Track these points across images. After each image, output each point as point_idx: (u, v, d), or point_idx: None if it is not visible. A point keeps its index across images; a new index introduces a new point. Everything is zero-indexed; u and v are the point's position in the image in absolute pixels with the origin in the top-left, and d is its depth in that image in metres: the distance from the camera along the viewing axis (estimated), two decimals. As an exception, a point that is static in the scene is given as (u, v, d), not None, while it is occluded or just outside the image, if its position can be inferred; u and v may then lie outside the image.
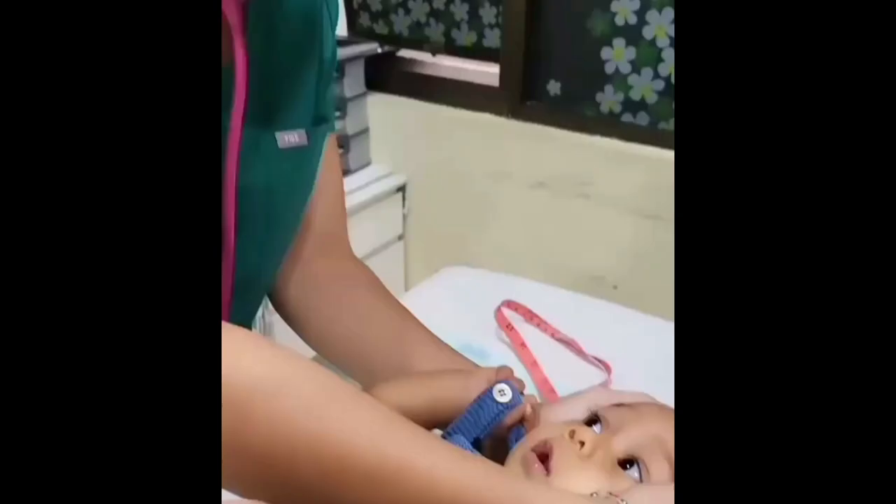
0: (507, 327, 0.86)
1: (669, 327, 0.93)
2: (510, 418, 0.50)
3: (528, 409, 0.51)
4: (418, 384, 0.54)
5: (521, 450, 0.48)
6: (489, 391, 0.50)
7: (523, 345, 0.82)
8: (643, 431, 0.49)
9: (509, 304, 0.91)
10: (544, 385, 0.76)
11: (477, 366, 0.59)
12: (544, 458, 0.46)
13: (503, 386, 0.50)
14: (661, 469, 0.48)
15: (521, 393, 0.51)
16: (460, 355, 0.61)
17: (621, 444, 0.48)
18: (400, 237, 1.79)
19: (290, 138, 0.55)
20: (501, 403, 0.50)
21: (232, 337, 0.37)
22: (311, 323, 0.65)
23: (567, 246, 1.54)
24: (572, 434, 0.48)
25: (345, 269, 0.67)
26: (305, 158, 0.59)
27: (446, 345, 0.62)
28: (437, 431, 0.51)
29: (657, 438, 0.49)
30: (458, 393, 0.52)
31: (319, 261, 0.65)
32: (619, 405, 0.53)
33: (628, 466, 0.48)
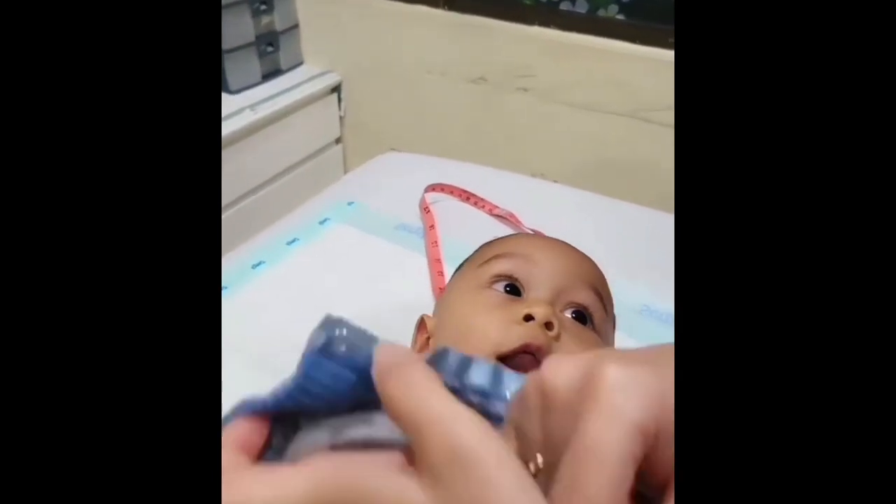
0: (424, 209, 0.87)
1: (608, 204, 0.92)
2: None
3: None
4: None
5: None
6: None
7: (432, 226, 0.84)
8: (551, 273, 0.53)
9: (435, 186, 0.91)
10: (436, 265, 0.78)
11: None
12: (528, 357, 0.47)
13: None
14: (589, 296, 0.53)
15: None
16: None
17: (565, 301, 0.53)
18: (338, 140, 1.73)
19: None
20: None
21: None
22: None
23: (508, 141, 1.51)
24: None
25: None
26: None
27: None
28: None
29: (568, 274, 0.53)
30: None
31: None
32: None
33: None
